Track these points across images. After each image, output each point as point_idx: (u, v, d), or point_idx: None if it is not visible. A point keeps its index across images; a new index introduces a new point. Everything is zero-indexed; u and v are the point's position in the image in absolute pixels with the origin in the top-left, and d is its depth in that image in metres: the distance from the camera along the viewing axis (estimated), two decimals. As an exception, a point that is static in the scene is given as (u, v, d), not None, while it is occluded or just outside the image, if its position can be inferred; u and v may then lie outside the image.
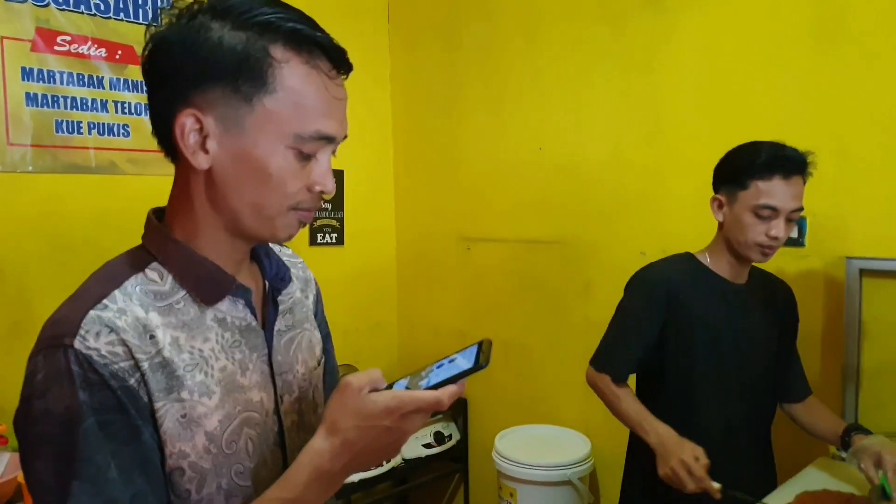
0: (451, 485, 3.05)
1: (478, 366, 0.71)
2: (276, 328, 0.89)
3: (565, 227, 2.55)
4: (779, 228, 1.53)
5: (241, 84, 0.72)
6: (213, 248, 0.80)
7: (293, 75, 0.74)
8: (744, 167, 1.54)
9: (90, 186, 2.17)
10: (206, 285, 0.79)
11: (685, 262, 1.67)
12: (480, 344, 0.76)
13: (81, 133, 2.10)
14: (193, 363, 0.77)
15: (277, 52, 0.73)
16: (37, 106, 2.03)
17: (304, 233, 2.88)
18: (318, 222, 2.94)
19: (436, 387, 0.71)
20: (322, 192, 0.78)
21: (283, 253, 1.01)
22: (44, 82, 2.05)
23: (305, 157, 0.76)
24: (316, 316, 1.02)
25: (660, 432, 1.51)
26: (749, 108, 2.06)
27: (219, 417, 0.78)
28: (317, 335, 0.99)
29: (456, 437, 2.83)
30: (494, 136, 2.76)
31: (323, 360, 1.00)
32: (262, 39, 0.73)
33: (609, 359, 1.66)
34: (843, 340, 1.89)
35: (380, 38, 3.13)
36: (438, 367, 0.75)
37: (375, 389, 0.72)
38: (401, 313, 3.24)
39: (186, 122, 0.74)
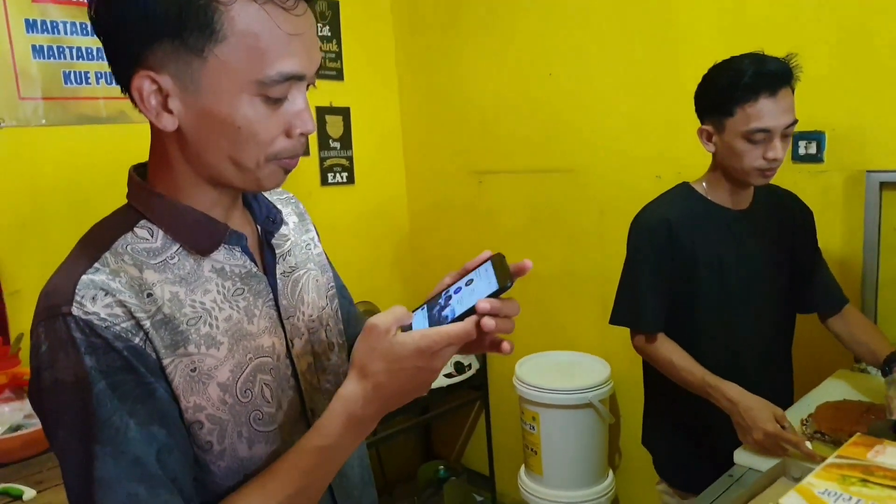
0: (472, 412, 3.18)
1: (502, 287, 0.69)
2: (278, 272, 0.87)
3: (578, 155, 2.56)
4: (776, 150, 1.46)
5: (188, 36, 0.67)
6: (199, 200, 0.78)
7: (243, 16, 0.68)
8: (726, 93, 1.47)
9: (103, 137, 2.19)
10: (198, 236, 0.78)
11: (683, 197, 1.63)
12: (492, 260, 0.73)
13: (90, 83, 2.11)
14: (196, 316, 0.75)
15: None
16: (43, 58, 2.04)
17: (315, 173, 2.91)
18: (328, 162, 2.95)
19: (461, 317, 0.70)
20: (302, 134, 0.75)
21: (274, 192, 0.98)
22: (48, 33, 2.04)
23: (275, 102, 0.72)
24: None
25: (731, 396, 1.43)
26: (767, 22, 2.03)
27: (230, 367, 0.77)
28: (325, 275, 0.98)
29: (476, 366, 2.92)
30: (502, 63, 2.74)
31: (335, 298, 0.99)
32: None
33: (636, 316, 1.61)
34: (861, 254, 1.93)
35: (378, -34, 3.07)
36: (457, 291, 0.74)
37: (402, 328, 0.72)
38: (414, 249, 3.30)
39: (143, 85, 0.70)
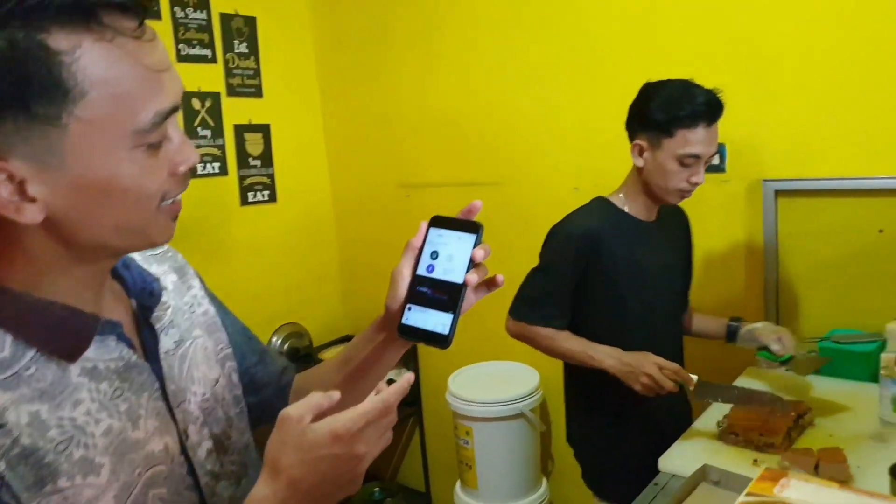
0: (406, 428, 3.21)
1: (479, 234, 0.70)
2: (161, 352, 0.75)
3: (503, 168, 2.65)
4: (700, 175, 1.58)
5: (36, 106, 0.55)
6: (63, 287, 0.65)
7: (95, 63, 0.56)
8: (671, 114, 1.54)
9: None
10: (61, 337, 0.63)
11: (602, 209, 1.71)
12: (436, 222, 0.74)
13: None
14: (66, 438, 0.61)
15: (60, 41, 0.55)
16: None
17: (235, 192, 2.89)
18: (248, 180, 2.93)
19: (462, 285, 0.70)
20: (189, 169, 0.66)
21: (145, 253, 0.83)
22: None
23: (157, 146, 0.62)
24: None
25: (612, 354, 1.58)
26: (674, 39, 2.17)
27: (114, 493, 0.64)
28: (214, 336, 0.86)
29: (408, 381, 2.95)
30: (426, 79, 2.80)
31: (227, 360, 0.87)
32: (32, 31, 0.54)
33: (539, 312, 1.69)
34: (763, 258, 2.09)
35: (295, -18, 3.08)
36: (430, 270, 0.70)
37: (320, 417, 0.64)
38: (343, 265, 3.31)
39: None
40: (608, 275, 1.67)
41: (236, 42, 2.86)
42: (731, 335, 1.79)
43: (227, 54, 2.83)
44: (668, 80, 1.60)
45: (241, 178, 2.91)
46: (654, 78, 1.66)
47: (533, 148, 2.55)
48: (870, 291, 1.95)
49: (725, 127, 2.09)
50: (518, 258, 1.74)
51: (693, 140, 1.54)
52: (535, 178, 2.56)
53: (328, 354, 2.99)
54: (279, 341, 2.97)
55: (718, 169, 2.15)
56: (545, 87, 2.47)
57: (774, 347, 1.67)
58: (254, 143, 2.95)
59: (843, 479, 1.25)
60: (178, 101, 0.63)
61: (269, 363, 0.96)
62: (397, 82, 2.90)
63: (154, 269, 0.81)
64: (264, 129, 2.96)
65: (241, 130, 2.87)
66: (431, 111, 2.81)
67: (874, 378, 1.76)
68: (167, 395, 0.74)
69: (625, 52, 2.26)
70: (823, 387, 1.75)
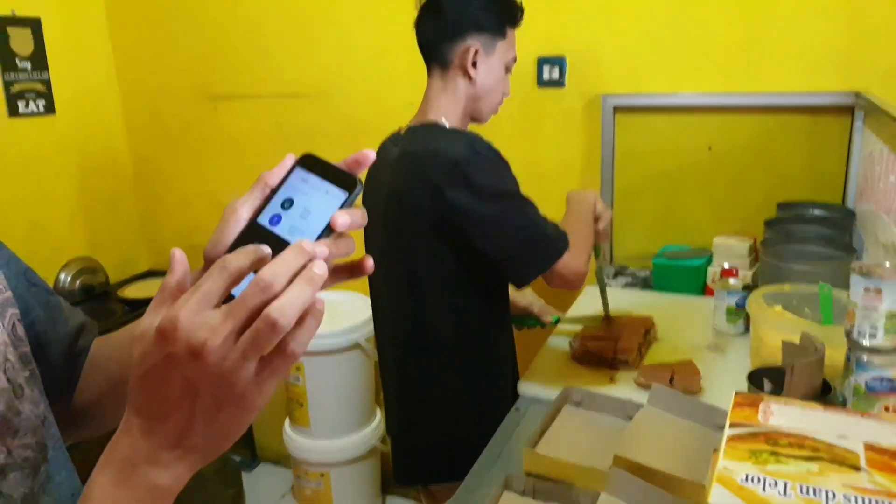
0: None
1: (353, 193, 0.52)
2: None
3: (327, 77, 2.42)
4: (509, 85, 1.44)
5: None
6: None
7: None
8: (502, 14, 1.37)
9: None
10: None
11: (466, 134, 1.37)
12: (304, 164, 0.55)
13: None
14: None
15: None
16: None
17: (0, 102, 2.38)
18: (17, 87, 2.43)
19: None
20: None
21: None
22: None
23: None
24: None
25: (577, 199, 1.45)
26: None
27: None
28: None
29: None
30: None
31: (8, 307, 0.66)
32: None
33: (558, 238, 1.31)
34: (599, 171, 2.11)
35: None
36: (275, 222, 0.52)
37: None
38: (139, 188, 2.92)
39: None
40: None
41: None
42: None
43: (-25, -80, 2.28)
44: None
45: (7, 84, 2.40)
46: None
47: (361, 56, 2.35)
48: (699, 207, 2.04)
49: (565, 41, 2.08)
50: None
51: (514, 41, 1.41)
52: (365, 88, 2.37)
53: (130, 292, 2.64)
54: (68, 278, 2.57)
55: (558, 84, 2.12)
56: (376, -13, 2.26)
57: (545, 317, 1.68)
58: (21, 41, 2.44)
59: (695, 391, 1.28)
60: None
61: (59, 319, 0.73)
62: (201, -27, 2.52)
63: None
64: (33, 24, 2.45)
65: (1, 24, 2.35)
66: (243, 9, 2.49)
67: (703, 291, 1.86)
68: None
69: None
70: (658, 302, 1.81)
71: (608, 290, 1.61)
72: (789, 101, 1.88)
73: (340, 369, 2.32)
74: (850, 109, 1.83)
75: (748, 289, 1.55)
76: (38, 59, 2.50)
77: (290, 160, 0.56)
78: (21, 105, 2.46)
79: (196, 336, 0.44)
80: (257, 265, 0.47)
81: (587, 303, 1.76)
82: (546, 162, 2.18)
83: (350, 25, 2.34)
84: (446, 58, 1.37)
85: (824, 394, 1.05)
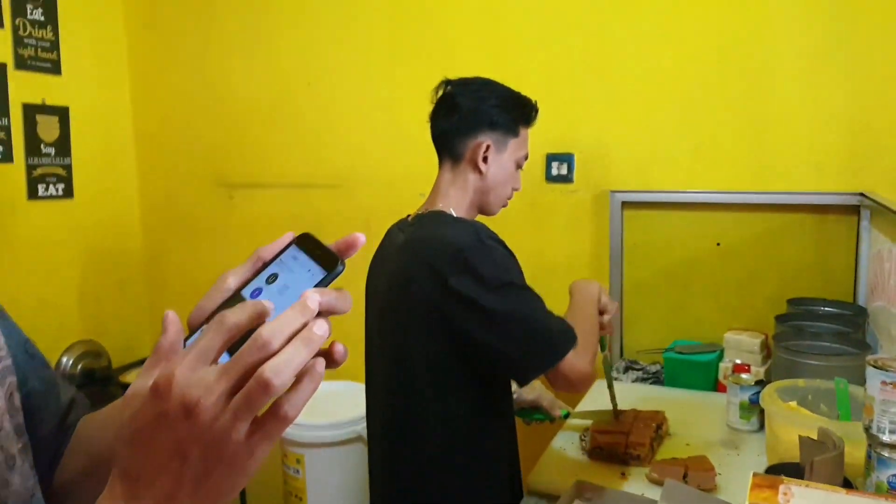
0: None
1: (331, 273, 0.51)
2: None
3: (340, 169, 2.49)
4: (520, 180, 1.48)
5: None
6: None
7: None
8: (516, 113, 1.41)
9: None
10: None
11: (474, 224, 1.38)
12: (298, 243, 0.55)
13: None
14: None
15: None
16: None
17: (21, 184, 2.45)
18: (39, 171, 2.51)
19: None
20: None
21: None
22: None
23: None
24: None
25: (582, 288, 1.42)
26: (522, 48, 2.17)
27: None
28: None
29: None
30: (256, 66, 2.58)
31: (7, 376, 0.67)
32: None
33: (564, 335, 1.24)
34: (608, 265, 2.12)
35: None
36: (255, 295, 0.53)
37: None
38: (149, 274, 2.94)
39: None
40: None
41: (29, 6, 2.46)
42: None
43: (17, 19, 2.42)
44: (480, 79, 1.43)
45: (31, 168, 2.48)
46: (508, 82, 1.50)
47: (375, 148, 2.43)
48: (708, 302, 2.04)
49: (574, 138, 2.15)
50: (357, 265, 1.52)
51: (527, 140, 1.45)
52: (378, 180, 2.44)
53: (131, 377, 2.62)
54: (70, 362, 2.55)
55: (567, 179, 2.17)
56: (389, 84, 2.37)
57: (555, 411, 1.61)
58: (48, 128, 2.54)
59: (710, 487, 1.24)
60: None
61: (52, 393, 0.72)
62: (223, 67, 2.64)
63: None
64: (61, 112, 2.56)
65: (31, 111, 2.46)
66: (261, 102, 2.60)
67: (714, 387, 1.83)
68: None
69: (474, 58, 2.21)
70: (670, 397, 1.78)
71: (616, 384, 1.58)
72: (796, 200, 1.92)
73: (342, 463, 2.25)
74: (856, 209, 1.86)
75: (761, 384, 1.52)
76: (63, 145, 2.59)
77: (287, 237, 0.56)
78: (41, 188, 2.52)
79: (191, 393, 0.43)
80: (256, 321, 0.46)
81: (596, 397, 1.73)
82: (554, 256, 2.21)
83: (365, 118, 2.42)
84: (458, 151, 1.39)
85: (845, 492, 1.01)
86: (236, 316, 0.46)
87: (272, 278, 0.54)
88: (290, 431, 2.24)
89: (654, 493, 1.18)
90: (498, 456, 1.38)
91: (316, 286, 0.50)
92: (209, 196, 2.75)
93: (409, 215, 1.46)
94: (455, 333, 1.24)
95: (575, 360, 1.21)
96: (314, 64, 2.48)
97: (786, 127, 1.92)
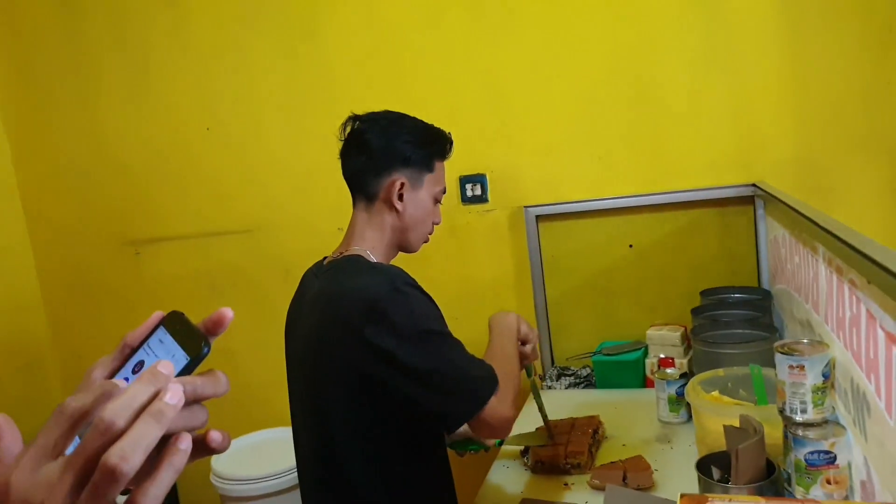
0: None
1: (195, 358, 0.49)
2: None
3: (254, 213, 2.47)
4: (440, 214, 1.45)
5: None
6: None
7: None
8: (431, 149, 1.38)
9: None
10: None
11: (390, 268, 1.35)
12: (165, 324, 0.52)
13: None
14: None
15: None
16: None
17: None
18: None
19: None
20: None
21: None
22: None
23: None
24: None
25: (502, 322, 1.39)
26: (429, 83, 2.22)
27: None
28: None
29: (162, 470, 2.57)
30: (148, 116, 2.52)
31: None
32: None
33: (484, 381, 1.21)
34: (530, 279, 2.19)
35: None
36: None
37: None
38: (59, 347, 2.79)
39: None
40: None
41: None
42: None
43: None
44: (391, 113, 1.41)
45: None
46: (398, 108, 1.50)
47: (286, 188, 2.42)
48: (629, 302, 2.13)
49: (485, 159, 2.21)
50: (280, 311, 1.52)
51: (443, 174, 1.43)
52: (293, 222, 2.43)
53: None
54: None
55: (481, 199, 2.23)
56: (293, 122, 2.37)
57: (488, 441, 1.56)
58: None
59: (648, 486, 1.30)
60: None
61: None
62: (111, 118, 2.56)
63: None
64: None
65: None
66: (157, 151, 2.53)
67: (643, 383, 1.91)
68: None
69: (376, 90, 2.25)
70: (603, 399, 1.84)
71: (550, 392, 1.62)
72: (697, 197, 2.03)
73: (287, 511, 2.22)
74: (751, 199, 1.99)
75: (686, 376, 1.61)
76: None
77: (155, 318, 0.53)
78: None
79: (32, 497, 0.39)
80: (104, 402, 0.41)
81: (526, 420, 1.67)
82: (479, 277, 2.26)
83: (271, 158, 2.41)
84: (372, 191, 1.36)
85: (770, 474, 1.09)
86: (79, 400, 0.42)
87: (138, 367, 0.51)
88: (232, 488, 2.19)
89: (597, 499, 1.22)
90: (433, 495, 1.35)
91: (180, 374, 0.47)
92: (114, 257, 2.65)
93: (325, 258, 1.43)
94: (375, 387, 1.21)
95: (497, 406, 1.18)
96: (211, 108, 2.45)
97: (679, 129, 2.04)
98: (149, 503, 0.40)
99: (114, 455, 0.38)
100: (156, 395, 0.42)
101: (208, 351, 0.49)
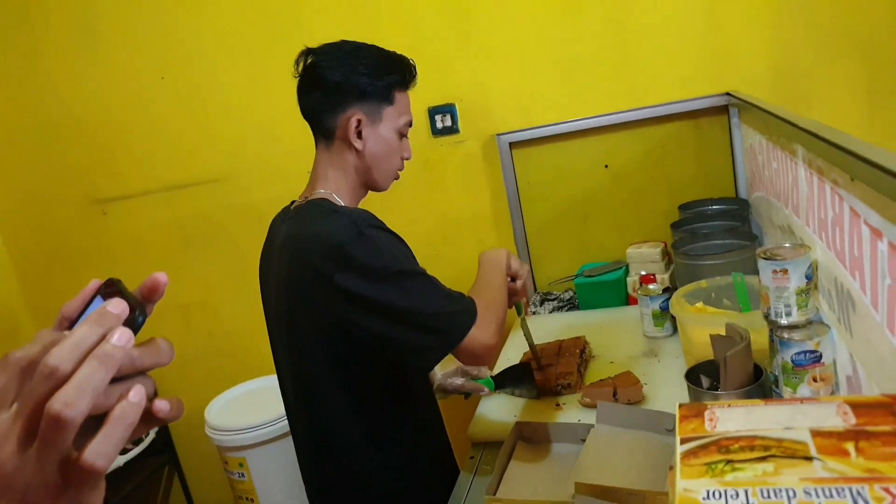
0: (161, 481, 2.81)
1: (131, 327, 0.44)
2: None
3: (225, 162, 2.40)
4: (410, 148, 1.37)
5: None
6: None
7: None
8: (389, 79, 1.30)
9: None
10: None
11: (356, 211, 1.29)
12: (102, 293, 0.49)
13: None
14: None
15: None
16: None
17: None
18: None
19: None
20: None
21: None
22: None
23: None
24: None
25: (492, 256, 1.37)
26: (391, 17, 2.14)
27: None
28: None
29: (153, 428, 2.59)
30: (100, 68, 2.40)
31: None
32: None
33: (468, 307, 1.21)
34: (507, 208, 2.17)
35: None
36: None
37: None
38: (33, 312, 2.74)
39: None
40: None
41: None
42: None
43: None
44: (346, 43, 1.32)
45: None
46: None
47: (252, 133, 2.35)
48: (607, 223, 2.13)
49: (454, 89, 2.16)
50: (256, 258, 1.49)
51: (407, 105, 1.34)
52: (263, 166, 2.37)
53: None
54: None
55: (453, 130, 2.18)
56: (253, 63, 2.29)
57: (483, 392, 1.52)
58: None
59: (638, 400, 1.32)
60: None
61: None
62: (58, 74, 2.44)
63: None
64: None
65: None
66: (113, 104, 2.43)
67: (626, 301, 1.93)
68: None
69: (339, 24, 2.16)
70: (587, 320, 1.86)
71: (535, 317, 1.63)
72: (670, 111, 2.01)
73: (285, 455, 2.23)
74: (725, 109, 1.98)
75: (668, 291, 1.62)
76: None
77: (92, 286, 0.51)
78: None
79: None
80: (49, 350, 0.40)
81: (512, 354, 1.72)
82: (457, 212, 2.24)
83: (234, 103, 2.34)
84: (329, 128, 1.29)
85: (758, 378, 1.11)
86: (25, 349, 0.41)
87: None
88: (226, 438, 2.20)
89: (589, 416, 1.24)
90: (420, 432, 1.35)
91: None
92: (81, 217, 2.57)
93: (292, 202, 1.38)
94: (350, 330, 1.20)
95: (477, 335, 1.18)
96: (165, 55, 2.35)
97: (648, 42, 2.00)
98: (98, 460, 0.38)
99: (57, 401, 0.37)
100: (104, 338, 0.40)
101: (143, 320, 0.46)
